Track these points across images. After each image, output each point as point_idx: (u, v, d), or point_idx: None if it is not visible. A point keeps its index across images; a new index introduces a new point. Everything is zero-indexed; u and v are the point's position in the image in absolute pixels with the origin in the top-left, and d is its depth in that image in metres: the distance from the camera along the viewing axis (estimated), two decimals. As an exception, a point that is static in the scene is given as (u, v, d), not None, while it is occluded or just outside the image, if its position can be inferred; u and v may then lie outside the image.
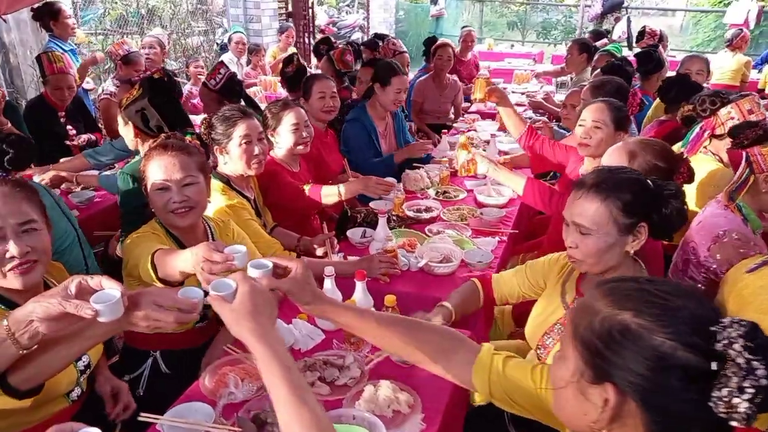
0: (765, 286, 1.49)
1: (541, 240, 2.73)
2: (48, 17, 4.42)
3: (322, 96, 3.02)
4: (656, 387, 0.77)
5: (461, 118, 4.88)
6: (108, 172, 3.10)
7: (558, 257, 1.77)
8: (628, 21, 10.95)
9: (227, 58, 5.94)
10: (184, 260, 1.42)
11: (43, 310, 1.06)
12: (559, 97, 4.83)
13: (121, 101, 2.55)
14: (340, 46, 4.79)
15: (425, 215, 2.73)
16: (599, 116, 2.34)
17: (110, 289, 1.08)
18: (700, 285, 1.77)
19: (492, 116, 4.75)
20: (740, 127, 1.87)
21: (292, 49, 6.70)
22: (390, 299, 1.81)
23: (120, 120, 2.55)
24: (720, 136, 2.46)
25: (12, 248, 1.37)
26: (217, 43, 7.39)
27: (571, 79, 4.93)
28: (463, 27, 6.27)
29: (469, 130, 4.29)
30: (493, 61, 8.03)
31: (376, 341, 1.32)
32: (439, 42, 4.98)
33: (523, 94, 5.35)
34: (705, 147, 2.53)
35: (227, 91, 3.21)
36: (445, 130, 4.09)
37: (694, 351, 0.75)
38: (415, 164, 3.29)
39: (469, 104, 5.26)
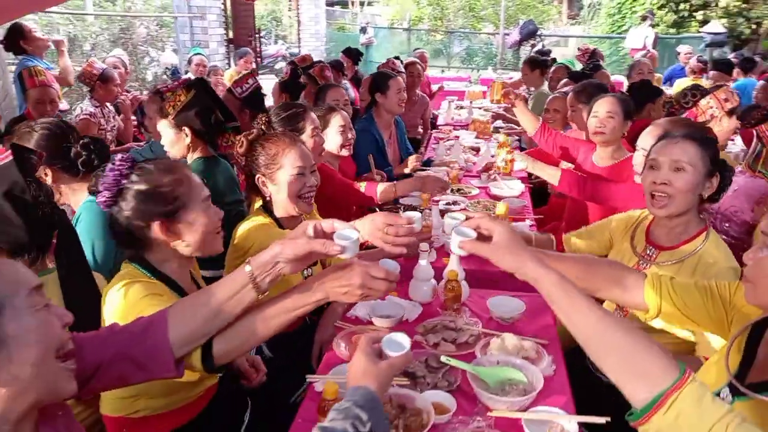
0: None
1: (558, 223, 3.03)
2: (18, 37, 4.25)
3: (337, 103, 3.19)
4: None
5: (437, 130, 5.19)
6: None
7: (625, 215, 2.04)
8: (543, 47, 12.00)
9: (188, 80, 5.90)
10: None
11: (292, 250, 1.12)
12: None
13: (163, 110, 2.56)
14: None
15: (454, 208, 2.94)
16: (611, 107, 2.69)
17: (345, 230, 1.17)
18: (734, 237, 2.11)
19: (465, 126, 5.13)
20: (747, 111, 2.28)
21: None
22: (452, 273, 1.95)
23: (166, 130, 2.55)
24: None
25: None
26: (167, 68, 7.27)
27: (530, 92, 5.40)
28: (416, 49, 6.66)
29: (449, 139, 4.59)
30: (434, 83, 8.53)
31: None
32: (408, 60, 5.30)
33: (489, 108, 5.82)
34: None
35: (252, 102, 3.27)
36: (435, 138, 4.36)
37: None
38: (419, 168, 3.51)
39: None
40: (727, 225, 2.15)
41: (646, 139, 2.21)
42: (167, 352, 1.11)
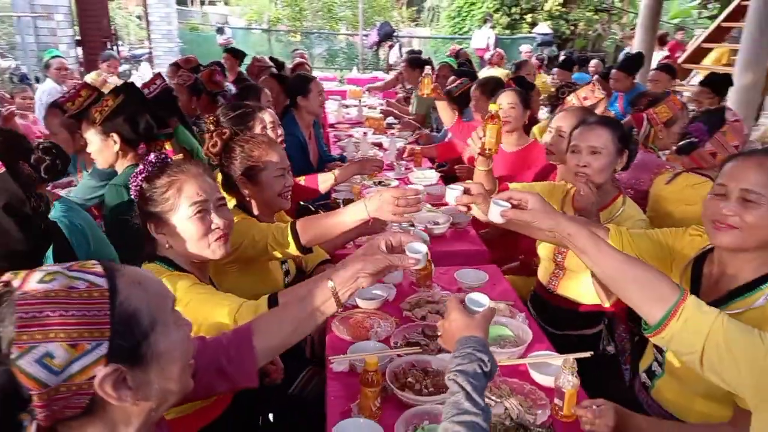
0: (684, 188, 2.32)
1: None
2: None
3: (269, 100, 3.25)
4: None
5: (333, 129, 5.33)
6: (69, 193, 2.78)
7: (548, 184, 2.30)
8: (400, 47, 12.65)
9: (47, 86, 5.35)
10: (357, 212, 1.65)
11: (373, 266, 1.22)
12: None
13: (91, 117, 2.41)
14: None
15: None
16: (513, 99, 3.07)
17: (414, 243, 1.28)
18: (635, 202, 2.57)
19: (356, 123, 5.35)
20: (636, 97, 2.77)
21: (113, 79, 6.30)
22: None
23: (93, 138, 2.40)
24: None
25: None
26: (13, 74, 6.49)
27: (412, 89, 5.76)
28: (295, 50, 6.71)
29: (349, 136, 4.77)
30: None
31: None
32: (297, 61, 5.38)
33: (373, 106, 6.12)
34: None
35: (163, 104, 3.11)
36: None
37: None
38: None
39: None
40: (630, 192, 2.60)
41: (558, 121, 2.57)
42: (252, 363, 1.17)
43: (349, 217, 1.70)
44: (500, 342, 1.75)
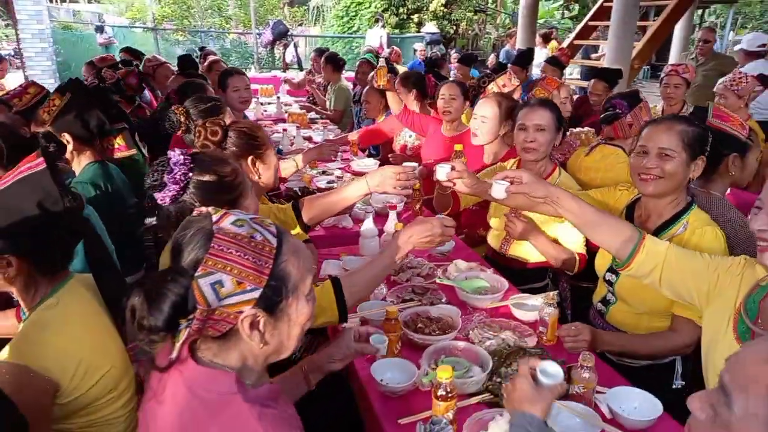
0: (602, 157, 2.77)
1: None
2: None
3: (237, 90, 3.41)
4: None
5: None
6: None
7: (496, 167, 2.70)
8: (295, 46, 12.70)
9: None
10: (359, 188, 1.84)
11: (342, 354, 1.49)
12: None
13: (40, 118, 2.36)
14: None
15: (336, 184, 3.34)
16: (454, 91, 3.39)
17: (376, 335, 1.59)
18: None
19: (278, 120, 5.43)
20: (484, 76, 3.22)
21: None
22: (398, 226, 2.45)
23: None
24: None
25: None
26: None
27: (332, 86, 5.94)
28: (202, 48, 6.60)
29: (276, 132, 4.86)
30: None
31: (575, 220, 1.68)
32: (212, 58, 5.34)
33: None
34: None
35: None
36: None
37: None
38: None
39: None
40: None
41: (479, 109, 2.93)
42: None
43: (351, 193, 1.89)
44: (481, 291, 2.04)
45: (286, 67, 12.14)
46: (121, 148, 2.67)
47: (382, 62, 3.59)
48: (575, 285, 2.62)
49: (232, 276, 0.93)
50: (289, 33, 13.03)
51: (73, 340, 1.34)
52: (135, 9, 15.00)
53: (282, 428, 0.96)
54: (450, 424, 1.36)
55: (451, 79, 4.07)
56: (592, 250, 2.33)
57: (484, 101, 2.99)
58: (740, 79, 3.50)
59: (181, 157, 1.49)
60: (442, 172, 1.87)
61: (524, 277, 2.52)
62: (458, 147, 2.59)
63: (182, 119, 2.39)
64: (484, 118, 2.85)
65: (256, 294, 0.95)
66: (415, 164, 1.86)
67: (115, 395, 1.41)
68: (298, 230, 1.96)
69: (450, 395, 1.36)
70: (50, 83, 11.18)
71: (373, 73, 5.10)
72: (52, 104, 2.40)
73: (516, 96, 3.63)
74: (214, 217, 0.99)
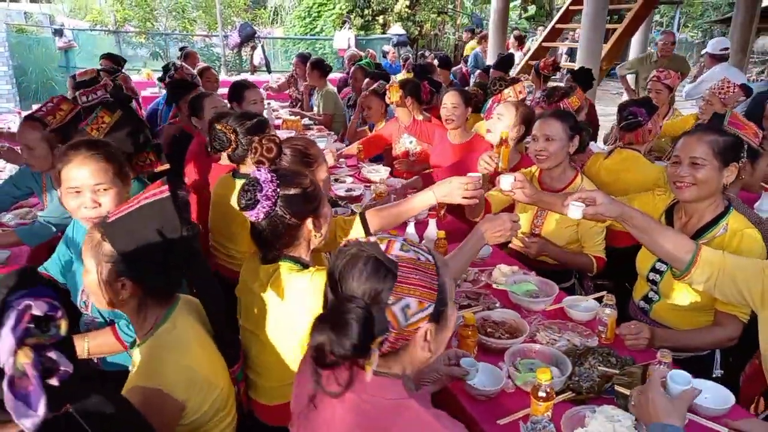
0: (621, 160, 2.94)
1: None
2: None
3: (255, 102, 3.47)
4: None
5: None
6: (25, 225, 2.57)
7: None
8: (263, 49, 12.59)
9: None
10: (425, 198, 1.91)
11: (434, 380, 1.60)
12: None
13: (84, 134, 2.33)
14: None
15: (355, 193, 3.39)
16: (456, 99, 3.49)
17: (466, 358, 1.64)
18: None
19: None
20: (551, 91, 3.35)
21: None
22: (440, 233, 2.56)
23: None
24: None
25: None
26: None
27: (318, 91, 5.96)
28: (182, 48, 6.50)
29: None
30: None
31: None
32: (202, 66, 5.29)
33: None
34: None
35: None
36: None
37: None
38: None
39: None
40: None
41: (500, 109, 3.06)
42: None
43: (418, 203, 1.96)
44: (531, 294, 2.15)
45: (254, 70, 12.03)
46: (155, 163, 2.65)
47: (393, 79, 3.67)
48: (598, 284, 2.79)
49: (416, 297, 1.01)
50: (256, 35, 12.94)
51: (195, 360, 1.38)
52: (95, 11, 14.50)
53: (455, 427, 1.04)
54: (551, 422, 1.46)
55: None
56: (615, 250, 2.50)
57: (505, 103, 3.13)
58: (728, 88, 3.75)
59: (269, 174, 1.56)
60: (506, 183, 1.98)
61: (551, 277, 2.66)
62: (504, 134, 2.66)
63: (232, 137, 2.42)
64: (500, 115, 2.99)
65: (431, 309, 1.04)
66: (479, 174, 1.95)
67: (224, 414, 1.46)
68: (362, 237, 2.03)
69: (549, 396, 1.47)
70: (6, 89, 10.74)
71: (367, 81, 5.21)
72: (101, 121, 2.38)
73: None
74: (382, 246, 1.05)
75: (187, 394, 1.33)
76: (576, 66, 7.52)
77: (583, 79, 4.77)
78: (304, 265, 1.62)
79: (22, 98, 10.50)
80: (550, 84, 4.81)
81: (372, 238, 1.09)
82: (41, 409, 0.72)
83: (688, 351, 2.01)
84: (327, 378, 1.04)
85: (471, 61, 9.95)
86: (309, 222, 1.61)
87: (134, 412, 1.11)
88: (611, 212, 1.77)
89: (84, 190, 1.75)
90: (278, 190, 1.55)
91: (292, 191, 1.58)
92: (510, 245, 2.72)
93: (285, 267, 1.58)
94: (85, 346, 1.72)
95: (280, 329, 1.60)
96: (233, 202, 2.35)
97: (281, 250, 1.62)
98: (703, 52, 6.33)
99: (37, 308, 0.76)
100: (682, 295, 2.01)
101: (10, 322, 0.73)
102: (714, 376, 2.06)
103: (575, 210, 1.76)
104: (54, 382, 0.77)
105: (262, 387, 1.67)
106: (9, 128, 4.87)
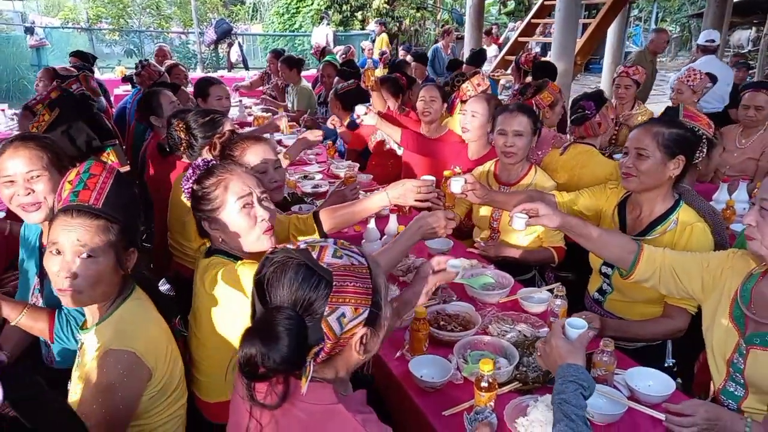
0: (575, 155, 2.96)
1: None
2: None
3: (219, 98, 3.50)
4: None
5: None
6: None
7: (475, 171, 2.82)
8: (240, 46, 12.49)
9: None
10: (379, 200, 1.91)
11: (427, 288, 1.58)
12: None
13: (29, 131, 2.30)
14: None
15: (321, 189, 3.39)
16: (434, 93, 3.51)
17: (452, 260, 1.64)
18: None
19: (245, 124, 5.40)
20: (523, 88, 3.37)
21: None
22: (401, 228, 2.57)
23: None
24: (464, 102, 3.98)
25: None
26: None
27: (293, 87, 5.93)
28: (159, 46, 6.43)
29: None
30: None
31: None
32: (171, 62, 5.23)
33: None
34: (459, 108, 4.04)
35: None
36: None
37: None
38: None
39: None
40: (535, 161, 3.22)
41: (474, 106, 3.08)
42: None
43: (371, 204, 1.94)
44: (488, 287, 2.17)
45: (231, 67, 11.93)
46: (114, 165, 2.62)
47: (370, 64, 3.67)
48: (559, 276, 2.81)
49: (350, 305, 1.01)
50: (233, 32, 12.82)
51: (162, 333, 1.43)
52: (67, 9, 14.26)
53: (383, 430, 1.04)
54: (493, 412, 1.48)
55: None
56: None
57: (475, 98, 3.15)
58: (694, 76, 3.82)
59: (197, 164, 1.65)
60: (456, 186, 2.00)
61: (512, 270, 2.68)
62: (447, 173, 2.64)
63: (182, 134, 2.40)
64: (475, 113, 3.00)
65: (366, 314, 1.04)
66: (432, 178, 1.97)
67: (179, 393, 1.48)
68: (316, 237, 2.02)
69: (491, 386, 1.48)
70: (-23, 88, 10.57)
71: (337, 79, 5.19)
72: (42, 120, 2.35)
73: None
74: (314, 253, 1.04)
75: (156, 362, 1.36)
76: (552, 60, 7.62)
77: (543, 73, 4.79)
78: (237, 258, 1.62)
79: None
80: (528, 79, 4.84)
81: (302, 245, 1.07)
82: None
83: (639, 341, 2.04)
84: (262, 391, 1.04)
85: (430, 55, 9.75)
86: (205, 224, 1.64)
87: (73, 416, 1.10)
88: (553, 222, 1.82)
89: (17, 179, 1.73)
90: (191, 186, 1.59)
91: (194, 186, 1.62)
92: (469, 249, 2.74)
93: (215, 259, 1.61)
94: (22, 314, 1.66)
95: (211, 320, 1.60)
96: (183, 197, 2.36)
97: (212, 243, 1.65)
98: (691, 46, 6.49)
99: None
100: (633, 288, 2.04)
101: None
102: (666, 365, 2.10)
103: (518, 221, 1.80)
104: None
105: (200, 381, 1.67)
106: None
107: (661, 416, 1.46)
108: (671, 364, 2.09)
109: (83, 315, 1.48)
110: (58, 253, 1.33)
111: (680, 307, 1.95)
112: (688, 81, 3.83)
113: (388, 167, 3.92)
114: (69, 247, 1.33)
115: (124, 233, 1.40)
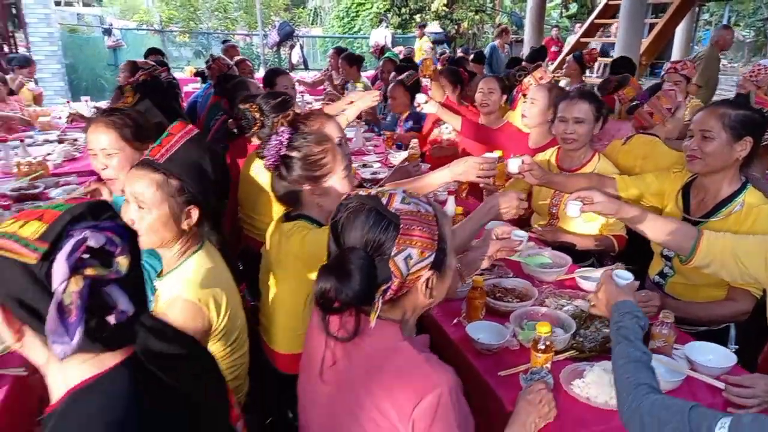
0: (638, 145, 2.93)
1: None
2: None
3: (286, 88, 3.59)
4: None
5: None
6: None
7: (536, 157, 2.83)
8: (301, 48, 12.84)
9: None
10: (441, 176, 1.98)
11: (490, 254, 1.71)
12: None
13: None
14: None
15: (380, 176, 3.49)
16: (492, 85, 3.56)
17: (516, 230, 1.78)
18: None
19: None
20: (603, 83, 3.37)
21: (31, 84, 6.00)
22: (458, 209, 2.64)
23: None
24: (525, 96, 4.00)
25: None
26: None
27: (352, 84, 6.10)
28: (226, 41, 6.75)
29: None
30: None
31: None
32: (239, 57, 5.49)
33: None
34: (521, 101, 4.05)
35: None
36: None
37: None
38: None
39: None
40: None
41: (534, 93, 3.11)
42: None
43: (434, 180, 2.00)
44: (545, 266, 2.20)
45: (292, 68, 12.29)
46: (193, 128, 2.82)
47: (429, 53, 3.75)
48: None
49: (418, 248, 1.09)
50: (295, 34, 13.22)
51: (228, 285, 1.53)
52: (142, 11, 15.11)
53: (444, 369, 1.11)
54: (549, 373, 1.52)
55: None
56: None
57: (537, 87, 3.17)
58: (759, 71, 3.71)
59: (281, 137, 1.72)
60: (513, 165, 2.04)
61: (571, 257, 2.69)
62: (498, 153, 2.70)
63: (257, 115, 2.55)
64: (534, 100, 3.03)
65: (432, 258, 1.11)
66: (495, 155, 2.01)
67: (239, 343, 1.59)
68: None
69: (548, 348, 1.52)
70: (60, 86, 11.30)
71: (393, 74, 5.29)
72: (125, 102, 2.55)
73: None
74: (384, 200, 1.13)
75: (217, 313, 1.46)
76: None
77: (623, 69, 4.73)
78: (320, 224, 1.72)
79: (73, 94, 11.03)
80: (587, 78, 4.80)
81: (372, 192, 1.17)
82: (76, 339, 0.73)
83: (699, 324, 2.02)
84: (335, 326, 1.13)
85: (486, 53, 9.70)
86: (307, 187, 1.71)
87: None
88: (608, 210, 1.81)
89: (98, 152, 1.92)
90: (282, 150, 1.67)
91: (294, 154, 1.69)
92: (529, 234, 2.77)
93: (300, 224, 1.69)
94: None
95: (294, 279, 1.71)
96: (253, 173, 2.49)
97: (296, 209, 1.74)
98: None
99: (94, 240, 0.76)
100: (695, 271, 2.01)
101: (66, 248, 0.74)
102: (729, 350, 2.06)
103: (573, 208, 1.81)
104: (111, 319, 0.79)
105: (273, 333, 1.78)
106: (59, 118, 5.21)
107: (721, 385, 1.46)
108: (734, 350, 2.05)
109: (160, 264, 1.61)
110: (127, 202, 1.48)
111: (744, 289, 1.91)
112: (752, 77, 3.73)
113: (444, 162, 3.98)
114: (131, 197, 1.47)
115: (184, 190, 1.48)
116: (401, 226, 1.09)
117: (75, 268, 0.74)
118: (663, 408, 1.11)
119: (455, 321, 1.88)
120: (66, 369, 0.82)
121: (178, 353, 0.96)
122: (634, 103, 2.94)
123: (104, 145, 1.92)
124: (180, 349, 0.97)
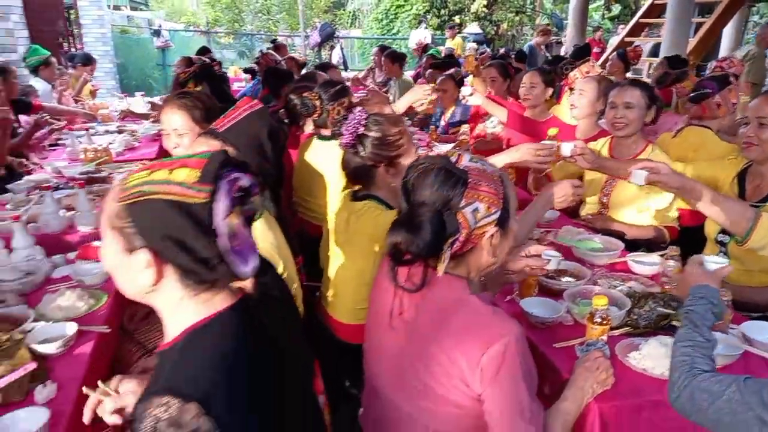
0: (689, 136, 2.92)
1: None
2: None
3: None
4: None
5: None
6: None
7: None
8: (342, 48, 13.02)
9: (39, 86, 5.18)
10: (500, 161, 2.03)
11: (516, 271, 1.67)
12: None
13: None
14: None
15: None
16: (534, 79, 3.58)
17: (548, 251, 1.78)
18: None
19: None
20: (661, 77, 3.37)
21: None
22: None
23: None
24: (572, 89, 4.00)
25: None
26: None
27: (395, 81, 6.20)
28: (273, 40, 6.95)
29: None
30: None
31: None
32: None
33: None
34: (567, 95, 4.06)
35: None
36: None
37: None
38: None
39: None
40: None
41: (582, 84, 3.12)
42: None
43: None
44: (596, 251, 2.22)
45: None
46: (257, 103, 2.95)
47: (470, 50, 3.81)
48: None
49: (484, 203, 1.16)
50: (335, 35, 13.41)
51: (280, 250, 1.60)
52: (189, 13, 15.60)
53: (511, 320, 1.17)
54: (606, 344, 1.55)
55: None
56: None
57: (585, 79, 3.19)
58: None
59: (361, 115, 1.78)
60: (566, 148, 2.07)
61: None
62: (552, 131, 2.75)
63: (317, 103, 2.65)
64: (582, 91, 3.04)
65: (497, 215, 1.18)
66: (554, 142, 2.06)
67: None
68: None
69: (604, 320, 1.56)
70: (111, 84, 11.77)
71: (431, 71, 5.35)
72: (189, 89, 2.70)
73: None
74: (453, 159, 1.21)
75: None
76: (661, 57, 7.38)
77: (678, 64, 4.68)
78: (388, 206, 1.80)
79: (123, 92, 11.48)
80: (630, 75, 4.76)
81: (442, 153, 1.24)
82: (252, 263, 0.88)
83: (756, 309, 2.01)
84: (402, 277, 1.20)
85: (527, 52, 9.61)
86: (382, 167, 1.78)
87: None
88: (673, 182, 1.82)
89: (170, 132, 2.04)
90: (360, 129, 1.74)
91: (372, 134, 1.76)
92: (575, 221, 2.78)
93: (371, 204, 1.78)
94: None
95: (362, 256, 1.78)
96: (308, 158, 2.59)
97: (365, 188, 1.82)
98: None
99: (245, 180, 0.89)
100: (751, 257, 2.02)
101: (226, 188, 0.85)
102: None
103: (638, 176, 1.82)
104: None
105: (339, 306, 1.86)
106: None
107: (781, 360, 1.47)
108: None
109: None
110: None
111: (802, 274, 1.91)
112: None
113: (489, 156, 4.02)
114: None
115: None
116: (469, 181, 1.15)
117: (233, 205, 0.86)
118: (715, 382, 1.12)
119: (508, 298, 1.92)
120: (185, 310, 0.91)
121: (274, 295, 1.05)
122: (705, 91, 2.91)
123: (176, 126, 2.04)
124: (276, 291, 1.06)
